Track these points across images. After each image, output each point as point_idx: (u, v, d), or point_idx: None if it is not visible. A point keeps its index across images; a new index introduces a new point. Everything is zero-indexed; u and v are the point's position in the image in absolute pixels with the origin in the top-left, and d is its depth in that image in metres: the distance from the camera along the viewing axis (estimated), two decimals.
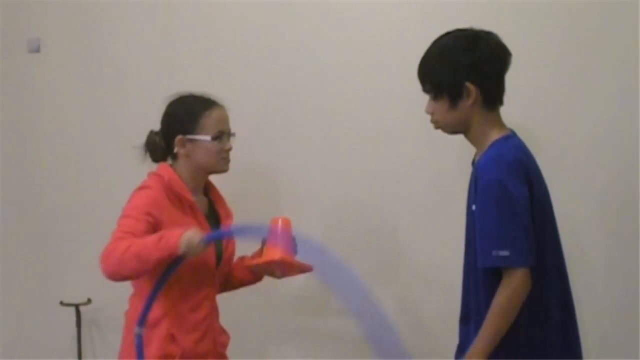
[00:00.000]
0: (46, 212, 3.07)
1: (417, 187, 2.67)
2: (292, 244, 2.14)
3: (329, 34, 2.73)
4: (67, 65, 3.01)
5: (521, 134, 2.03)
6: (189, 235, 1.97)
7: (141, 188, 2.18)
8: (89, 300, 2.99)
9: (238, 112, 2.29)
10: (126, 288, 2.94)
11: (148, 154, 2.29)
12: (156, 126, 2.84)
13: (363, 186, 2.72)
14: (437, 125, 2.02)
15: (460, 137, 2.02)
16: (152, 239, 2.00)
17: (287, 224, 2.14)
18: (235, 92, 2.50)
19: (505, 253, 1.83)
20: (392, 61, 2.64)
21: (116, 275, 2.04)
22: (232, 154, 2.23)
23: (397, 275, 2.70)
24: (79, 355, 3.00)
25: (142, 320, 2.09)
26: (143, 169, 2.89)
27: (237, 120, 2.27)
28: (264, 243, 2.25)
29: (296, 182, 2.77)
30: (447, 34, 2.00)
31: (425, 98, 2.01)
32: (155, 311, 2.13)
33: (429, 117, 2.02)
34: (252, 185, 2.77)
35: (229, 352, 2.32)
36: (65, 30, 3.00)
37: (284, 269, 2.17)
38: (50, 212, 3.06)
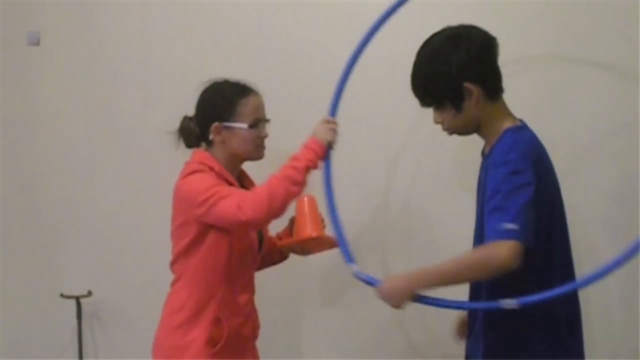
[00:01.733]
0: (46, 205, 3.07)
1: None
2: (320, 220, 2.22)
3: (334, 26, 2.73)
4: (66, 59, 3.00)
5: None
6: (322, 132, 2.10)
7: (192, 173, 2.15)
8: (90, 293, 2.99)
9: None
10: (127, 280, 2.99)
11: (182, 140, 2.28)
12: (155, 118, 2.89)
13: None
14: (451, 131, 2.00)
15: None
16: (289, 166, 2.07)
17: (313, 201, 2.22)
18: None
19: (512, 226, 1.77)
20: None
21: (271, 214, 2.06)
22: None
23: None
24: (80, 348, 3.01)
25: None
26: (143, 160, 2.94)
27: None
28: (292, 222, 2.32)
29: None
30: (426, 43, 1.96)
31: None
32: (202, 295, 2.15)
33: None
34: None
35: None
36: (65, 23, 2.99)
37: (317, 245, 2.23)
38: (50, 204, 3.06)
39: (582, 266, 2.55)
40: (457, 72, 1.88)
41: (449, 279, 1.83)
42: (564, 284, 1.89)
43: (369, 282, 1.97)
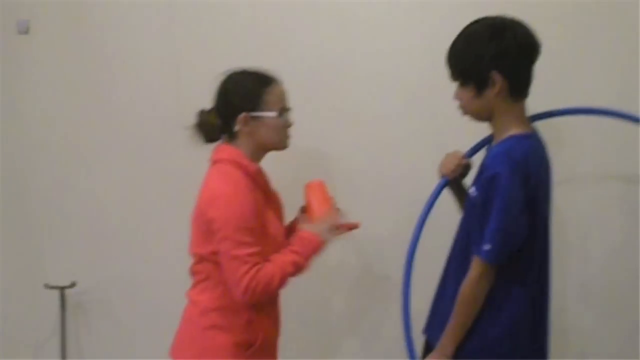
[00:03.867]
0: (32, 195, 3.05)
1: None
2: (332, 202, 2.23)
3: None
4: (55, 48, 2.98)
5: None
6: (324, 233, 2.15)
7: (225, 178, 2.09)
8: (74, 284, 2.99)
9: None
10: (110, 272, 2.98)
11: (201, 136, 2.20)
12: (144, 109, 2.89)
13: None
14: (464, 111, 2.04)
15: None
16: (289, 264, 2.09)
17: (322, 186, 2.23)
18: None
19: (487, 247, 1.88)
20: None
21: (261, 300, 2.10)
22: None
23: None
24: (63, 338, 3.00)
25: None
26: (130, 151, 2.93)
27: None
28: (302, 211, 2.31)
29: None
30: (476, 22, 2.00)
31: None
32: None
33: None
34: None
35: None
36: (54, 12, 2.96)
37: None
38: (35, 195, 3.05)
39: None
40: (489, 59, 1.92)
41: (464, 325, 1.96)
42: (533, 290, 1.99)
43: None
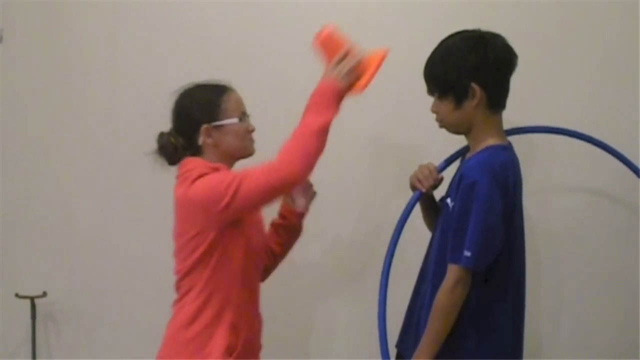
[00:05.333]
0: (1, 203, 3.02)
1: None
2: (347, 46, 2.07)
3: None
4: (29, 57, 2.97)
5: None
6: (338, 68, 2.00)
7: (199, 177, 2.07)
8: (45, 293, 2.97)
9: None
10: (81, 282, 2.97)
11: (164, 159, 2.20)
12: (119, 119, 2.88)
13: None
14: (442, 124, 2.06)
15: None
16: (308, 115, 2.01)
17: (332, 36, 2.06)
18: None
19: (467, 254, 1.89)
20: None
21: (308, 169, 2.02)
22: None
23: None
24: (33, 348, 2.98)
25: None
26: (102, 160, 2.92)
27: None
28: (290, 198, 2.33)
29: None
30: (454, 34, 2.04)
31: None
32: (219, 302, 2.10)
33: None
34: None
35: None
36: (28, 21, 2.96)
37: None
38: (5, 203, 3.02)
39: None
40: (469, 70, 1.96)
41: (440, 335, 1.94)
42: (510, 298, 2.01)
43: None
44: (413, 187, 2.19)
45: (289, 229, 2.37)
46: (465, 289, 1.92)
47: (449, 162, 2.22)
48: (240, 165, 2.22)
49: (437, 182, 2.18)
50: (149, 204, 2.85)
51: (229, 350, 2.11)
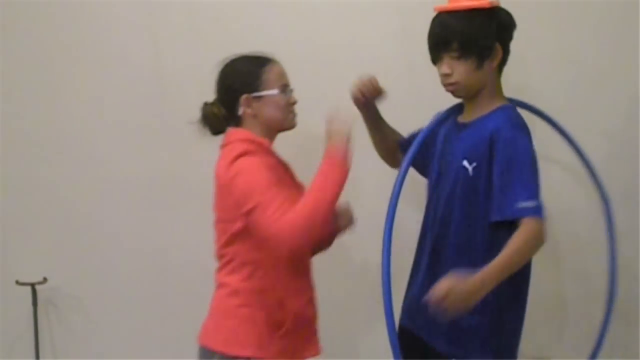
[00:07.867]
0: (1, 191, 3.02)
1: None
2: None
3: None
4: (27, 47, 2.96)
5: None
6: (343, 145, 2.04)
7: (243, 155, 2.06)
8: (45, 280, 2.97)
9: None
10: (82, 267, 2.97)
11: (207, 128, 2.19)
12: (113, 106, 2.87)
13: None
14: (455, 87, 2.03)
15: None
16: (318, 182, 2.02)
17: None
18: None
19: (531, 204, 1.89)
20: None
21: (311, 241, 2.04)
22: None
23: None
24: (36, 334, 2.99)
25: None
26: (100, 146, 2.91)
27: None
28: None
29: None
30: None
31: None
32: (263, 277, 2.08)
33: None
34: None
35: None
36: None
37: None
38: (5, 190, 3.02)
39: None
40: (496, 30, 1.99)
41: (512, 269, 1.88)
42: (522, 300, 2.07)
43: None
44: (356, 99, 2.20)
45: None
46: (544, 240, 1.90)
47: (439, 122, 2.16)
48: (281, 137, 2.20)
49: (378, 93, 2.19)
50: (148, 190, 2.86)
51: (276, 325, 2.08)
